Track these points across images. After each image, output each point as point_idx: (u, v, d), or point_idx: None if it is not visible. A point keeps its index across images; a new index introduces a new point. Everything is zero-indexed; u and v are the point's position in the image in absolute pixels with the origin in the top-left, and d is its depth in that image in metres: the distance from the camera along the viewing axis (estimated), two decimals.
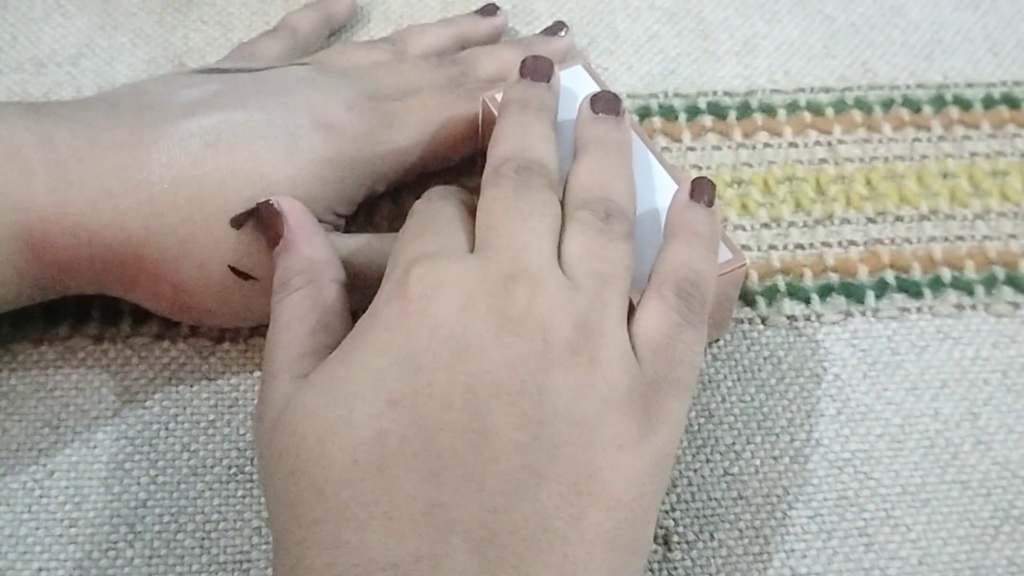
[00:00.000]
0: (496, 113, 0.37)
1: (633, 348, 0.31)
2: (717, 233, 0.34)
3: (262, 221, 0.35)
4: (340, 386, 0.29)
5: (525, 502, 0.27)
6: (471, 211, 0.34)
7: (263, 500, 0.35)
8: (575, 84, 0.39)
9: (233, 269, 0.35)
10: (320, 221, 0.36)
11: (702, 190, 0.35)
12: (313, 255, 0.34)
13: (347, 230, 0.39)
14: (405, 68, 0.42)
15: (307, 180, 0.36)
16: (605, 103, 0.36)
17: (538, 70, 0.37)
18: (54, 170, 0.33)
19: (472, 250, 0.32)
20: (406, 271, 0.30)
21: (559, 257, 0.32)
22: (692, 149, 0.44)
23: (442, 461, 0.27)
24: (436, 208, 0.34)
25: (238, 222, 0.34)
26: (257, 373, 0.37)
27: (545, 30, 0.46)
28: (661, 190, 0.37)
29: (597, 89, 0.38)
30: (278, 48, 0.43)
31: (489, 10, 0.46)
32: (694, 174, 0.43)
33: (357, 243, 0.37)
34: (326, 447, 0.28)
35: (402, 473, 0.27)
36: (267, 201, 0.34)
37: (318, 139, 0.36)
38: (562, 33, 0.45)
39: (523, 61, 0.37)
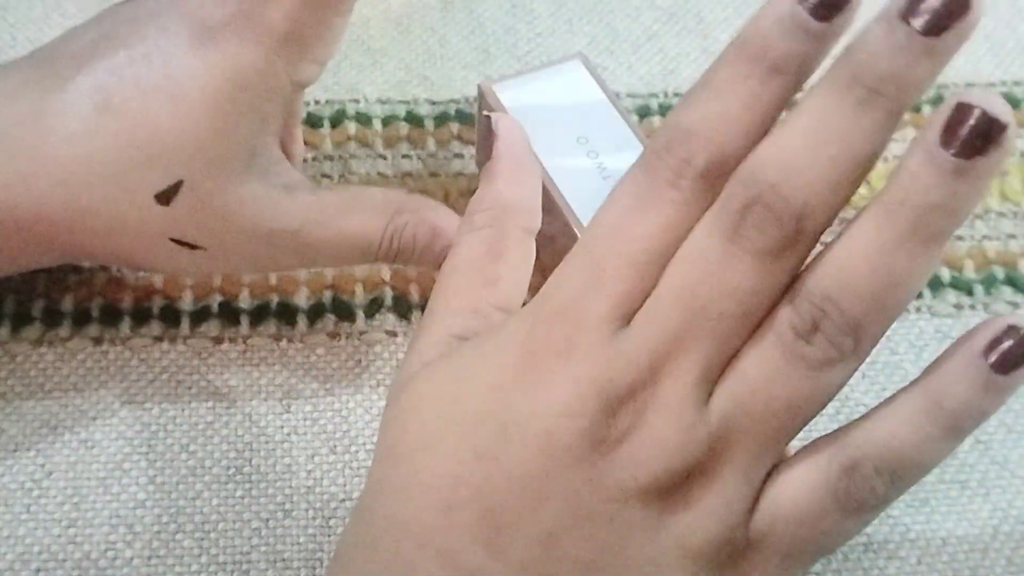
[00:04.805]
0: (497, 100, 0.34)
1: (753, 499, 0.26)
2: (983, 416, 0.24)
3: (485, 137, 0.31)
4: (444, 403, 0.27)
5: None
6: (682, 229, 0.25)
7: (263, 499, 0.35)
8: (572, 81, 0.38)
9: (176, 240, 0.32)
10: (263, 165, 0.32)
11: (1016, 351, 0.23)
12: (506, 195, 0.30)
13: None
14: None
15: (208, 128, 0.31)
16: (976, 137, 0.23)
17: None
18: None
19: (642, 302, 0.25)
20: (545, 321, 0.26)
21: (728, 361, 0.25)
22: None
23: (501, 537, 0.25)
24: (629, 235, 0.25)
25: (165, 198, 0.31)
26: (256, 374, 0.37)
27: None
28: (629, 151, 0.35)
29: (596, 87, 0.36)
30: None
31: None
32: None
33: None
34: (416, 460, 0.26)
35: (462, 526, 0.25)
36: (486, 116, 0.32)
37: (201, 64, 0.31)
38: None
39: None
